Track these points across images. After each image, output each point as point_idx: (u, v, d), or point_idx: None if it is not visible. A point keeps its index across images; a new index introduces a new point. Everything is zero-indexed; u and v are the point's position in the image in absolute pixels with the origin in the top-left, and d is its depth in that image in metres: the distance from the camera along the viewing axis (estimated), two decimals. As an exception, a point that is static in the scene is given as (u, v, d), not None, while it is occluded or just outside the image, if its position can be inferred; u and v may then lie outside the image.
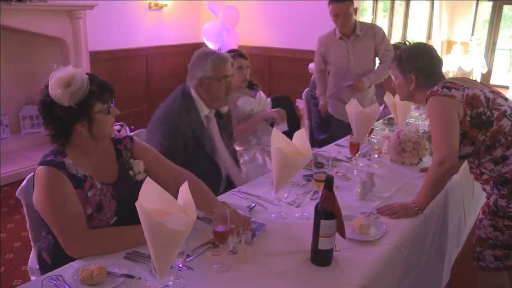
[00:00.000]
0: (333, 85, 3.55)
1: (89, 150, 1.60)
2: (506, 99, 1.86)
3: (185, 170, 1.77)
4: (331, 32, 3.46)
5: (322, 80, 3.64)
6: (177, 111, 2.10)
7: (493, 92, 1.86)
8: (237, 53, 2.91)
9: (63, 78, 1.46)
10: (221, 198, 1.88)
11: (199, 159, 2.12)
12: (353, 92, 3.30)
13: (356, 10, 3.34)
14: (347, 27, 3.33)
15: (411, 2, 7.67)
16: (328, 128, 3.70)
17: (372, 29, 3.43)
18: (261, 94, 3.04)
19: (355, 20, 3.36)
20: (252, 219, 1.67)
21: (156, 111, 2.16)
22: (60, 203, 1.46)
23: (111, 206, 1.58)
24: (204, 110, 2.17)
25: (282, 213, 1.77)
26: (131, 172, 1.68)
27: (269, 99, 3.18)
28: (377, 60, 3.55)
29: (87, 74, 1.56)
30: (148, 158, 1.74)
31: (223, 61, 2.14)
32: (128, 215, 1.46)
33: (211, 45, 6.02)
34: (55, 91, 1.46)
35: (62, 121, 1.52)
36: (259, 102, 2.99)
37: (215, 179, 2.20)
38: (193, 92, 2.15)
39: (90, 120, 1.53)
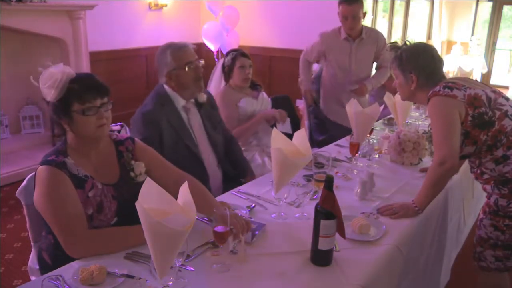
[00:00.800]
0: (330, 86, 3.53)
1: (88, 150, 1.60)
2: (507, 99, 1.86)
3: (184, 172, 1.77)
4: (336, 31, 3.42)
5: (308, 68, 3.63)
6: (150, 108, 2.12)
7: (494, 92, 1.86)
8: (238, 52, 2.90)
9: (48, 74, 1.50)
10: (221, 198, 1.89)
11: (180, 154, 2.12)
12: (353, 96, 3.30)
13: (365, 14, 3.33)
14: (355, 30, 3.31)
15: (411, 2, 7.67)
16: (326, 130, 3.70)
17: (375, 34, 3.44)
18: (263, 95, 3.02)
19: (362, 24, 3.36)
20: (252, 219, 1.67)
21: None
22: (61, 203, 1.46)
23: (111, 206, 1.59)
24: (180, 102, 2.19)
25: (282, 213, 1.77)
26: (132, 174, 1.68)
27: (269, 99, 3.17)
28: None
29: (84, 73, 1.57)
30: (149, 159, 1.74)
31: (181, 49, 2.16)
32: (128, 216, 1.47)
33: (211, 45, 6.02)
34: (41, 86, 1.51)
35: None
36: (261, 103, 2.96)
37: (198, 172, 2.19)
38: (166, 87, 2.19)
39: (70, 118, 1.53)
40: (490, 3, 7.58)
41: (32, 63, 4.56)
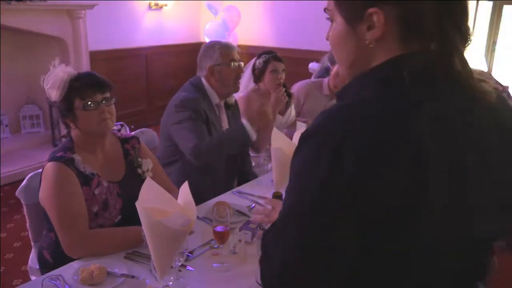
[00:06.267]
0: None
1: (94, 147, 1.62)
2: (509, 95, 1.86)
3: (174, 186, 1.78)
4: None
5: None
6: (195, 96, 2.12)
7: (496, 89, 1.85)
8: (271, 55, 2.76)
9: (50, 75, 1.52)
10: (221, 198, 1.89)
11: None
12: None
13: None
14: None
15: (411, 2, 7.68)
16: None
17: None
18: (291, 110, 2.86)
19: None
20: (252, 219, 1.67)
21: (170, 103, 2.16)
22: (66, 201, 1.47)
23: (116, 204, 1.60)
24: (215, 99, 2.21)
25: (282, 213, 1.77)
26: (139, 170, 1.70)
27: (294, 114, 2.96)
28: None
29: (85, 72, 1.60)
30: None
31: (229, 47, 2.22)
32: (132, 214, 1.47)
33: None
34: (45, 88, 1.53)
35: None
36: (287, 118, 2.80)
37: (225, 171, 2.22)
38: (204, 82, 2.19)
39: (74, 116, 1.55)
40: (490, 3, 7.58)
41: (32, 62, 4.55)
